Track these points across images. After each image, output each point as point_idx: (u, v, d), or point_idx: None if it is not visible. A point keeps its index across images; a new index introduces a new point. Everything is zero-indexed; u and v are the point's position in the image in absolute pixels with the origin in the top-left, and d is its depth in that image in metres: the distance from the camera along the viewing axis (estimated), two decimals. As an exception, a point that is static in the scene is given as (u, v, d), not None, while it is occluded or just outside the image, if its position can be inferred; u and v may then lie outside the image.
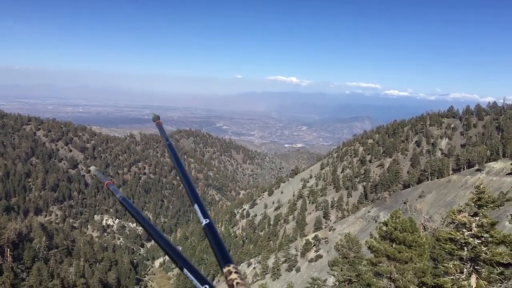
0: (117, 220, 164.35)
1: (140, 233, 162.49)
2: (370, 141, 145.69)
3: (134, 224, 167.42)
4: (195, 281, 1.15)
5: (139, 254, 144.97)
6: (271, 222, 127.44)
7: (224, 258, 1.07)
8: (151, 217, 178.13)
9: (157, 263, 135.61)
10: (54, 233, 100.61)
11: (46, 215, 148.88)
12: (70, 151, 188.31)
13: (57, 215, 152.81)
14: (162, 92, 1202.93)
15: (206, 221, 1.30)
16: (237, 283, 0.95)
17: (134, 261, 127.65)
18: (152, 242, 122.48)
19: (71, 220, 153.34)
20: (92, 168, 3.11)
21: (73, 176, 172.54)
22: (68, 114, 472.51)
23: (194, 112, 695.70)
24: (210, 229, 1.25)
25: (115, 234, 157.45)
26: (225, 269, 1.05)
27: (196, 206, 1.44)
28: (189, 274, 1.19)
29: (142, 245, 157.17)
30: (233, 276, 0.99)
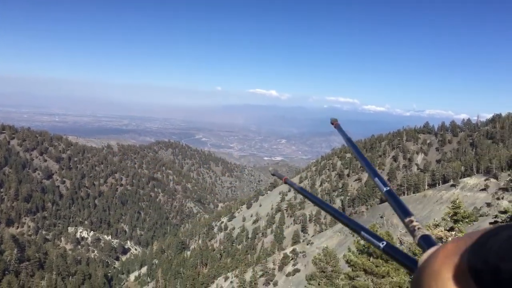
0: (91, 233, 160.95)
1: (115, 246, 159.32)
2: (348, 155, 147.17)
3: (109, 237, 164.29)
4: (372, 240, 1.33)
5: (114, 267, 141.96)
6: (249, 236, 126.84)
7: (404, 213, 1.27)
8: (127, 230, 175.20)
9: (132, 277, 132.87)
10: (26, 245, 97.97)
11: (18, 227, 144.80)
12: (45, 161, 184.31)
13: (29, 226, 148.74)
14: (141, 102, 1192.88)
15: (387, 188, 1.50)
16: (418, 228, 1.14)
17: (109, 274, 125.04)
18: (128, 255, 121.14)
19: (44, 232, 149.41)
20: (270, 169, 3.28)
21: (47, 187, 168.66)
22: (44, 123, 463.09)
23: (173, 123, 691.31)
24: (390, 195, 1.42)
25: (90, 247, 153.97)
26: (407, 219, 1.22)
27: (376, 179, 1.62)
28: (367, 236, 1.37)
29: (117, 258, 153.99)
30: (415, 223, 1.17)
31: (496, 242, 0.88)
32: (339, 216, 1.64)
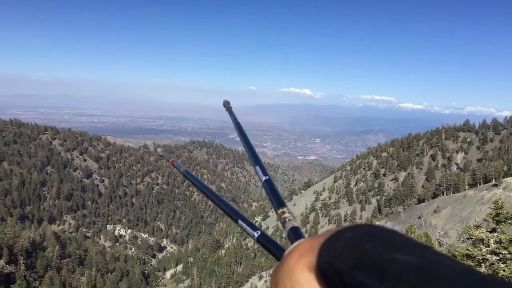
0: (129, 230, 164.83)
1: (152, 243, 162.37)
2: (384, 154, 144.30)
3: (146, 235, 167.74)
4: (248, 229, 1.33)
5: (151, 265, 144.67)
6: (283, 235, 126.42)
7: (278, 203, 1.25)
8: (163, 228, 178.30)
9: (168, 274, 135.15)
10: (67, 242, 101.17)
11: (59, 224, 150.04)
12: (85, 160, 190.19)
13: (70, 224, 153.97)
14: (176, 102, 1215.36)
15: (266, 177, 1.47)
16: (289, 219, 1.12)
17: (145, 272, 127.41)
18: (164, 253, 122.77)
19: (84, 230, 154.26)
20: (159, 149, 3.52)
21: (87, 186, 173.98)
22: (83, 124, 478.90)
23: (207, 123, 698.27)
24: (269, 184, 1.42)
25: (127, 244, 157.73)
26: (280, 210, 1.20)
27: (257, 167, 1.58)
28: (243, 225, 1.37)
29: (154, 256, 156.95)
30: (286, 215, 1.16)
31: (340, 243, 0.87)
32: (220, 203, 1.65)
